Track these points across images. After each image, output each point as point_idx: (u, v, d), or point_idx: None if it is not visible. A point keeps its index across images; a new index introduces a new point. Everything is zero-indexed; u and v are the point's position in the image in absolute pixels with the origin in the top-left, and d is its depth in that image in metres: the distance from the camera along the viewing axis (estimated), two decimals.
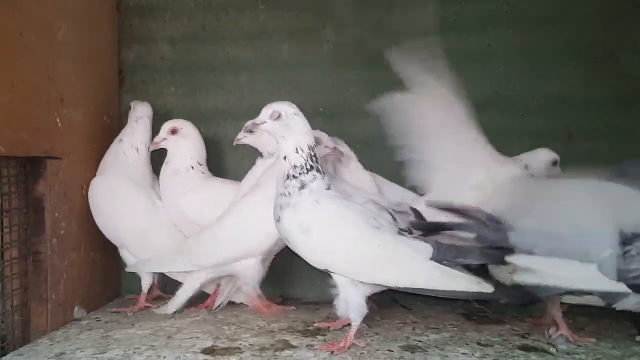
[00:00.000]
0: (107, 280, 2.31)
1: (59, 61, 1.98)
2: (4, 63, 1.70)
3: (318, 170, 1.68)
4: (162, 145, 2.17)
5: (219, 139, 2.43)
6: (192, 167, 2.17)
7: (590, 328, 1.93)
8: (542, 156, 2.12)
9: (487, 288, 1.62)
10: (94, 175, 2.15)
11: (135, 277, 2.21)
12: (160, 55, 2.50)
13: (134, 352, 1.65)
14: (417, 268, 1.63)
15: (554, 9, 2.34)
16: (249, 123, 1.73)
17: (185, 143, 2.17)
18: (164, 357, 1.61)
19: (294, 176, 1.66)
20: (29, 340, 1.84)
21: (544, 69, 2.33)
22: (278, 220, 1.67)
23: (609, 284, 1.66)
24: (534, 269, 1.65)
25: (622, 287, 1.66)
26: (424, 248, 1.65)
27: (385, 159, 2.20)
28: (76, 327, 1.95)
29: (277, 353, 1.65)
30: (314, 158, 1.68)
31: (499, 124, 2.34)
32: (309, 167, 1.67)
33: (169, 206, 2.16)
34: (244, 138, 2.15)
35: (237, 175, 2.27)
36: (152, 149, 2.19)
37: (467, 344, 1.75)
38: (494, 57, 2.36)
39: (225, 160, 2.44)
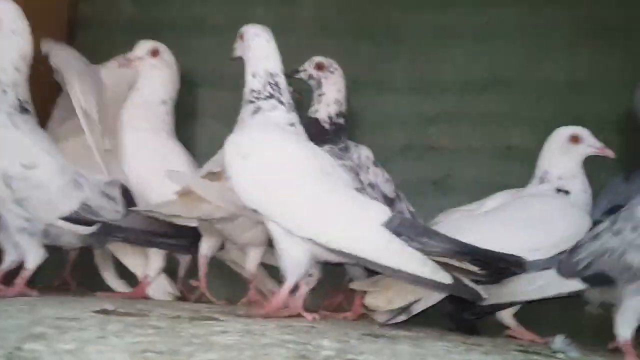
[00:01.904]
0: None
1: None
2: None
3: (281, 102, 1.49)
4: (136, 65, 1.90)
5: (182, 107, 2.10)
6: (164, 103, 1.91)
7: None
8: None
9: (445, 278, 1.30)
10: None
11: None
12: (120, 12, 2.24)
13: None
14: (359, 230, 1.33)
15: None
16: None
17: (164, 72, 1.93)
18: None
19: (250, 101, 1.50)
20: None
21: (548, 49, 2.06)
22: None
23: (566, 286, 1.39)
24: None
25: (576, 286, 1.37)
26: (379, 210, 1.37)
27: (362, 143, 1.92)
28: None
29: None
30: (275, 87, 1.50)
31: (496, 109, 2.07)
32: (267, 94, 1.49)
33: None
34: None
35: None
36: (122, 66, 1.91)
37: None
38: (492, 36, 2.10)
39: (192, 129, 2.17)
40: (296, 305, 1.40)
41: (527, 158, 1.87)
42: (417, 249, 1.32)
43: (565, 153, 1.67)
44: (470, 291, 1.35)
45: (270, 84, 1.49)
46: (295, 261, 1.36)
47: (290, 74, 1.81)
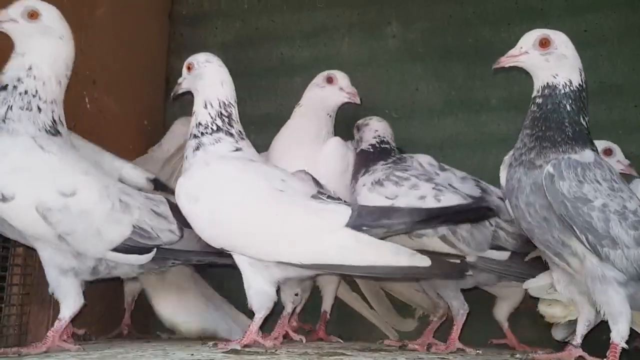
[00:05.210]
0: None
1: (94, 38, 1.81)
2: None
3: (229, 134, 1.42)
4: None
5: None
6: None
7: None
8: None
9: (423, 261, 1.24)
10: None
11: None
12: None
13: None
14: (325, 239, 1.28)
15: None
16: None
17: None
18: None
19: (194, 135, 1.42)
20: None
21: None
22: None
23: None
24: None
25: None
26: (339, 212, 1.31)
27: (461, 164, 1.84)
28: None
29: None
30: (225, 118, 1.42)
31: (607, 117, 1.94)
32: (215, 127, 1.41)
33: None
34: None
35: None
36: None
37: None
38: (592, 43, 1.99)
39: None
40: (283, 325, 1.42)
41: None
42: (383, 233, 1.31)
43: None
44: (453, 266, 1.32)
45: (221, 115, 1.42)
46: (261, 293, 1.32)
47: None
